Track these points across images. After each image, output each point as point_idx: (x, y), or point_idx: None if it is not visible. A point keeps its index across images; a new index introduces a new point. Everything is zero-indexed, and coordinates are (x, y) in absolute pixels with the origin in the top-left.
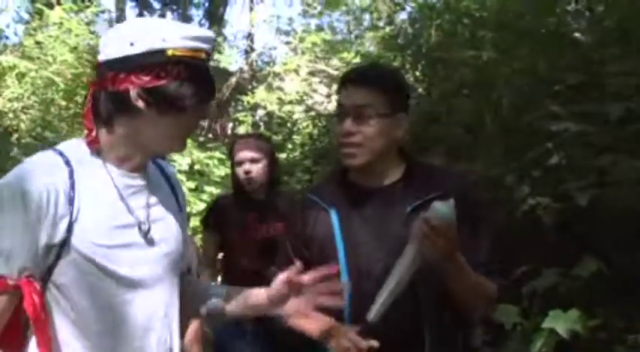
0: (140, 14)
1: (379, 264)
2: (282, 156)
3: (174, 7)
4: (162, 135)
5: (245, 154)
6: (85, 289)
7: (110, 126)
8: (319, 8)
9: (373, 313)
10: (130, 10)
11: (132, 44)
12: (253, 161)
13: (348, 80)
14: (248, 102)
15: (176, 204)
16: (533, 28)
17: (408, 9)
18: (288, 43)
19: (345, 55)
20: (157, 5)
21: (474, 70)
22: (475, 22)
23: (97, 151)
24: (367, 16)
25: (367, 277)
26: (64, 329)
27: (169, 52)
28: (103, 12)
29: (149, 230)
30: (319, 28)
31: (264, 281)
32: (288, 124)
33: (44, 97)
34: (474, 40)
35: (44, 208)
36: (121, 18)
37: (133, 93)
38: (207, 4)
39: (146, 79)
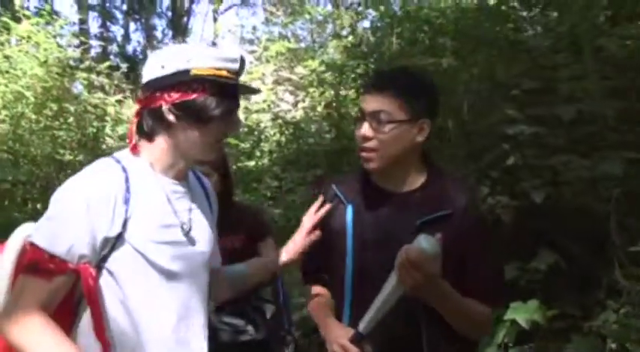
0: (103, 24)
1: (381, 267)
2: (251, 163)
3: (137, 16)
4: (193, 145)
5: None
6: (133, 276)
7: (152, 139)
8: (282, 17)
9: (363, 326)
10: (93, 20)
11: (163, 67)
12: (214, 170)
13: (369, 85)
14: None
15: (209, 209)
16: (490, 36)
17: (370, 18)
18: (252, 51)
19: (309, 62)
20: (119, 15)
21: (435, 77)
22: (435, 30)
23: (141, 160)
24: (330, 25)
25: (370, 281)
26: (114, 308)
27: (193, 72)
28: (66, 24)
29: (190, 230)
30: (283, 36)
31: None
32: (256, 132)
33: (15, 111)
34: (434, 48)
35: (103, 207)
36: (83, 29)
37: (164, 108)
38: (170, 15)
39: (175, 95)
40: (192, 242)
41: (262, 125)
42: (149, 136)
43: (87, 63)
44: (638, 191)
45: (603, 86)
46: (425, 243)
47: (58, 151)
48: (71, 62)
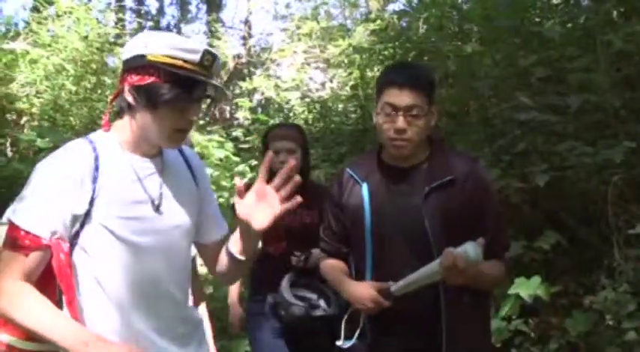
0: None
1: (399, 234)
2: None
3: None
4: (148, 128)
5: (282, 144)
6: (105, 252)
7: (121, 117)
8: None
9: (396, 288)
10: None
11: (129, 50)
12: (290, 151)
13: (395, 82)
14: (246, 88)
15: (193, 183)
16: (512, 24)
17: (398, 3)
18: (285, 29)
19: (340, 41)
20: None
21: (459, 61)
22: (461, 16)
23: (114, 138)
24: (362, 3)
25: (388, 245)
26: (88, 283)
27: (148, 57)
28: None
29: (160, 205)
30: (315, 14)
31: (289, 267)
32: (285, 110)
33: (55, 83)
34: (459, 33)
35: (71, 185)
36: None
37: (125, 89)
38: None
39: (135, 78)
40: (164, 216)
41: (291, 103)
42: (119, 114)
43: (125, 38)
44: (638, 177)
45: (611, 78)
46: (471, 251)
47: (95, 121)
48: (110, 38)
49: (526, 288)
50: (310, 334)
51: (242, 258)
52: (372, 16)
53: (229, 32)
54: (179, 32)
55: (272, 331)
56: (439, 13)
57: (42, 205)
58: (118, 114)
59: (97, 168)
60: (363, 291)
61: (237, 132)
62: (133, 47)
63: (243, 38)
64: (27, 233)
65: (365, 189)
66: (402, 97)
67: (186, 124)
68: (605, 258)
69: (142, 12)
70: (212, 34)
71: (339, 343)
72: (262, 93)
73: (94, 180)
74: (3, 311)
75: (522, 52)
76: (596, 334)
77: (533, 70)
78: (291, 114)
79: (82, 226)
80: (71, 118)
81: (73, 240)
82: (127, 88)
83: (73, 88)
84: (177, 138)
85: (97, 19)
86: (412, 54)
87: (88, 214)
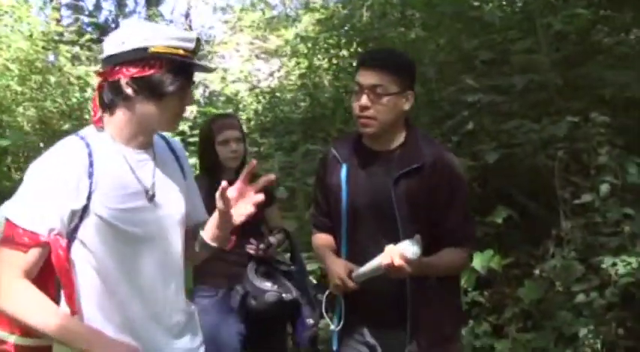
0: None
1: (370, 214)
2: None
3: None
4: (151, 117)
5: (231, 133)
6: (103, 244)
7: (112, 111)
8: None
9: (355, 275)
10: None
11: (123, 43)
12: (237, 140)
13: (364, 63)
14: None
15: (180, 173)
16: (453, 9)
17: None
18: (226, 21)
19: (282, 31)
20: None
21: (403, 47)
22: (403, 2)
23: (106, 133)
24: None
25: (360, 223)
26: (89, 277)
27: (151, 49)
28: None
29: (154, 195)
30: (254, 5)
31: (244, 263)
32: (234, 101)
33: (0, 84)
34: (402, 19)
35: (69, 181)
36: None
37: (123, 81)
38: None
39: (134, 70)
40: (158, 206)
41: (240, 95)
42: (110, 109)
43: (70, 36)
44: (581, 150)
45: (552, 58)
46: (408, 249)
47: (44, 121)
48: (55, 36)
49: (480, 261)
50: (275, 319)
51: (214, 244)
52: (317, 5)
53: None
54: (117, 27)
55: (231, 323)
56: (382, 0)
57: (39, 203)
58: (104, 109)
59: (91, 164)
60: (336, 269)
61: (184, 126)
62: (126, 41)
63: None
64: (25, 230)
65: (344, 169)
66: (366, 76)
67: (185, 109)
68: (553, 229)
69: (79, 7)
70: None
71: (332, 327)
72: (206, 87)
73: (90, 175)
74: (3, 309)
75: (465, 36)
76: (547, 300)
77: (476, 53)
78: (240, 106)
79: (80, 220)
80: (19, 119)
81: (72, 234)
82: (124, 80)
83: (19, 88)
84: (177, 123)
85: (41, 19)
86: (357, 41)
87: (86, 208)
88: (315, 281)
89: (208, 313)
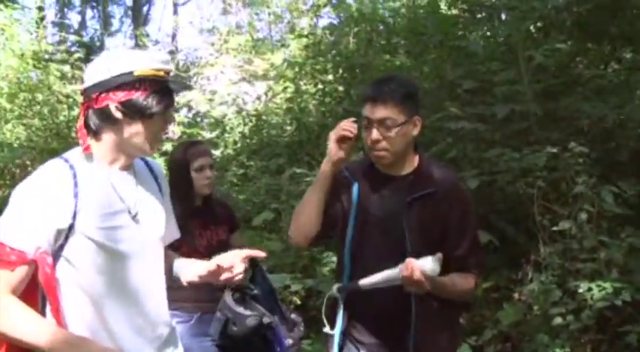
0: (61, 11)
1: (379, 234)
2: (217, 152)
3: (95, 3)
4: (138, 137)
5: (206, 160)
6: (89, 262)
7: (99, 137)
8: (240, 7)
9: (363, 282)
10: (50, 7)
11: (109, 70)
12: (210, 167)
13: (369, 97)
14: (177, 102)
15: (159, 192)
16: (438, 38)
17: (327, 17)
18: (212, 44)
19: (268, 55)
20: (77, 2)
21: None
22: (389, 30)
23: (91, 157)
24: (287, 15)
25: (368, 242)
26: (74, 293)
27: (136, 73)
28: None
29: (137, 214)
30: (239, 27)
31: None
32: (221, 124)
33: None
34: (387, 45)
35: (55, 201)
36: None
37: (112, 106)
38: (128, 2)
39: (121, 94)
40: (140, 224)
41: (227, 117)
42: (96, 134)
43: (61, 55)
44: (560, 179)
45: (533, 89)
46: (428, 265)
47: (31, 139)
48: (45, 55)
49: None
50: (255, 343)
51: (185, 284)
52: (304, 31)
53: (156, 47)
54: (102, 45)
55: (207, 347)
56: (368, 27)
57: (26, 222)
58: (92, 135)
59: (76, 185)
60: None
61: (168, 146)
62: (111, 68)
63: (171, 52)
64: (12, 249)
65: (355, 187)
66: (374, 111)
67: (166, 129)
68: (531, 254)
69: (64, 25)
70: (140, 48)
71: (325, 329)
72: (190, 108)
73: (75, 195)
74: None
75: (449, 65)
76: (525, 323)
77: (460, 82)
78: (227, 128)
79: (66, 239)
80: (7, 134)
81: (58, 252)
82: (113, 105)
83: (8, 106)
84: (159, 143)
85: (30, 33)
86: (342, 66)
87: (71, 227)
88: (299, 302)
89: (182, 338)
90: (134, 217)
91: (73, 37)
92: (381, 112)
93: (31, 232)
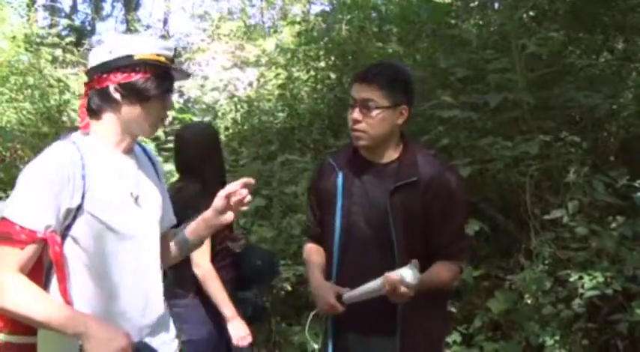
0: None
1: (364, 222)
2: None
3: None
4: (137, 120)
5: None
6: (94, 240)
7: (99, 117)
8: None
9: (347, 297)
10: None
11: (110, 52)
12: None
13: (357, 78)
14: None
15: (156, 177)
16: (431, 25)
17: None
18: (204, 29)
19: (260, 42)
20: None
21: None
22: (381, 18)
23: (92, 138)
24: (279, 1)
25: (354, 230)
26: (79, 270)
27: (137, 56)
28: None
29: (138, 197)
30: (230, 12)
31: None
32: (211, 109)
33: None
34: (379, 33)
35: (64, 183)
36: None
37: (111, 87)
38: None
39: (121, 76)
40: (141, 207)
41: (219, 103)
42: (97, 114)
43: (52, 38)
44: (552, 168)
45: (526, 77)
46: (408, 276)
47: (22, 122)
48: (37, 39)
49: None
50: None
51: (195, 241)
52: (297, 18)
53: (147, 32)
54: (93, 29)
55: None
56: (361, 14)
57: (36, 201)
58: (91, 115)
59: (83, 167)
60: (323, 295)
61: (160, 132)
62: (113, 50)
63: (163, 37)
64: (22, 228)
65: (340, 176)
66: (359, 90)
67: (165, 113)
68: (523, 243)
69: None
70: (131, 33)
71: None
72: (182, 94)
73: (83, 176)
74: (3, 305)
75: (441, 53)
76: (516, 311)
77: (453, 70)
78: (219, 114)
79: (74, 219)
80: None
81: (65, 232)
82: (112, 86)
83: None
84: (158, 127)
85: (21, 16)
86: (335, 54)
87: (79, 207)
88: (289, 288)
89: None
90: (136, 200)
91: (64, 21)
92: (364, 93)
93: (41, 211)
